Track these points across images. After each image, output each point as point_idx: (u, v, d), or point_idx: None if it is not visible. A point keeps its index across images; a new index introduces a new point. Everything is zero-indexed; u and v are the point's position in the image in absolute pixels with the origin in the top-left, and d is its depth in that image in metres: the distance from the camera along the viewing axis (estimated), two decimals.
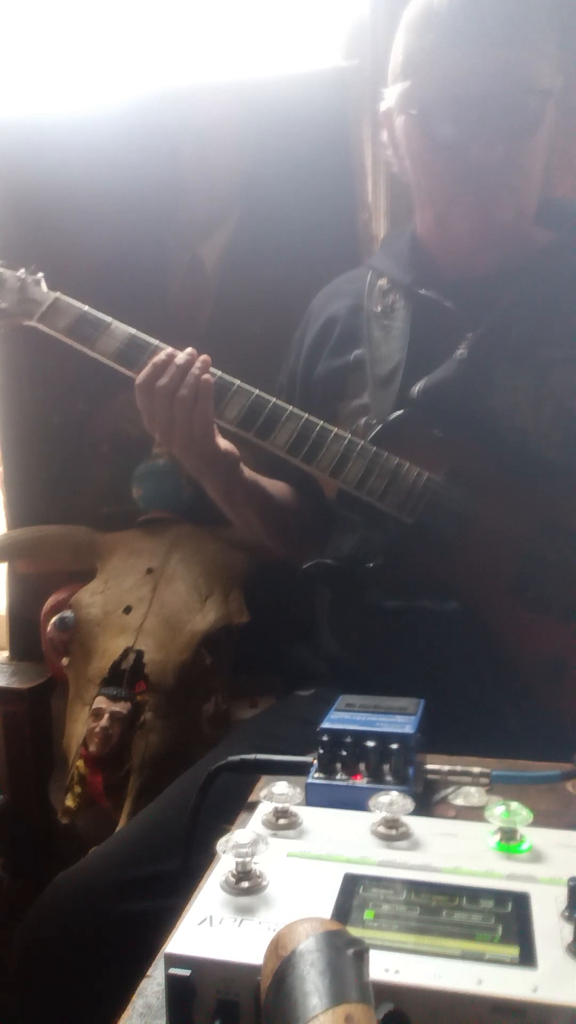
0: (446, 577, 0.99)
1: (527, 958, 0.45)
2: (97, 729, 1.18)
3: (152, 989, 0.51)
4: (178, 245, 1.52)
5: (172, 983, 0.45)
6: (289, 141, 1.44)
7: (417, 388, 1.05)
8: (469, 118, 0.97)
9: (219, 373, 1.07)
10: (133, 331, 1.10)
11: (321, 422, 1.05)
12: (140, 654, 1.24)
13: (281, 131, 1.44)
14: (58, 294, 1.14)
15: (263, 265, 1.47)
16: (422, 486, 1.00)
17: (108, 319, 1.11)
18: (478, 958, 0.45)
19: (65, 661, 1.37)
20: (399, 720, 0.71)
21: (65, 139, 1.49)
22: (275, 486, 1.21)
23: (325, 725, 0.70)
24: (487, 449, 1.01)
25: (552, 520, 0.98)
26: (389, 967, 0.44)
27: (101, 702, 1.20)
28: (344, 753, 0.68)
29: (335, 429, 1.04)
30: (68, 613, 1.38)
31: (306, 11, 1.59)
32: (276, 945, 0.40)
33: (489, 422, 1.01)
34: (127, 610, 1.30)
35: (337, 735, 0.69)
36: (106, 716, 1.19)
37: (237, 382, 1.07)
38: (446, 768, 0.71)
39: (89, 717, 1.20)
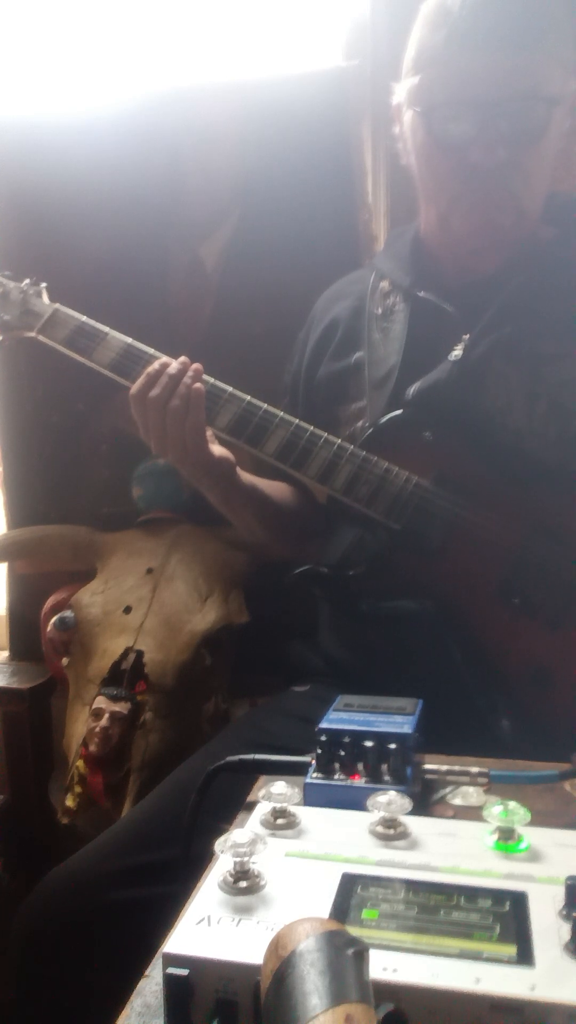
0: (432, 582, 0.99)
1: (525, 957, 0.45)
2: (97, 729, 1.18)
3: (150, 988, 0.51)
4: (178, 245, 1.52)
5: (170, 983, 0.45)
6: (289, 141, 1.44)
7: (411, 391, 1.04)
8: (472, 120, 0.97)
9: (211, 381, 1.06)
10: (129, 341, 1.10)
11: (311, 428, 1.04)
12: (140, 654, 1.24)
13: (281, 131, 1.44)
14: (57, 305, 1.14)
15: (263, 265, 1.47)
16: (409, 491, 1.00)
17: (105, 329, 1.11)
18: (476, 957, 0.45)
19: (65, 661, 1.37)
20: (397, 720, 0.71)
21: (65, 139, 1.49)
22: (274, 487, 1.21)
23: (323, 725, 0.70)
24: (479, 451, 1.01)
25: (544, 523, 0.97)
26: (387, 966, 0.44)
27: (101, 702, 1.21)
28: (342, 753, 0.68)
29: (324, 435, 1.04)
30: (68, 613, 1.38)
31: (306, 11, 1.59)
32: (276, 945, 0.40)
33: (482, 423, 1.01)
34: (127, 610, 1.30)
35: (335, 735, 0.69)
36: (106, 716, 1.19)
37: (229, 389, 1.07)
38: (444, 768, 0.71)
39: (89, 717, 1.20)
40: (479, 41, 0.95)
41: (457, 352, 1.03)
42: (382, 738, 0.68)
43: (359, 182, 1.45)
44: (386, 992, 0.43)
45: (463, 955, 0.46)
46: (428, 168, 1.05)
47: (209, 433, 1.07)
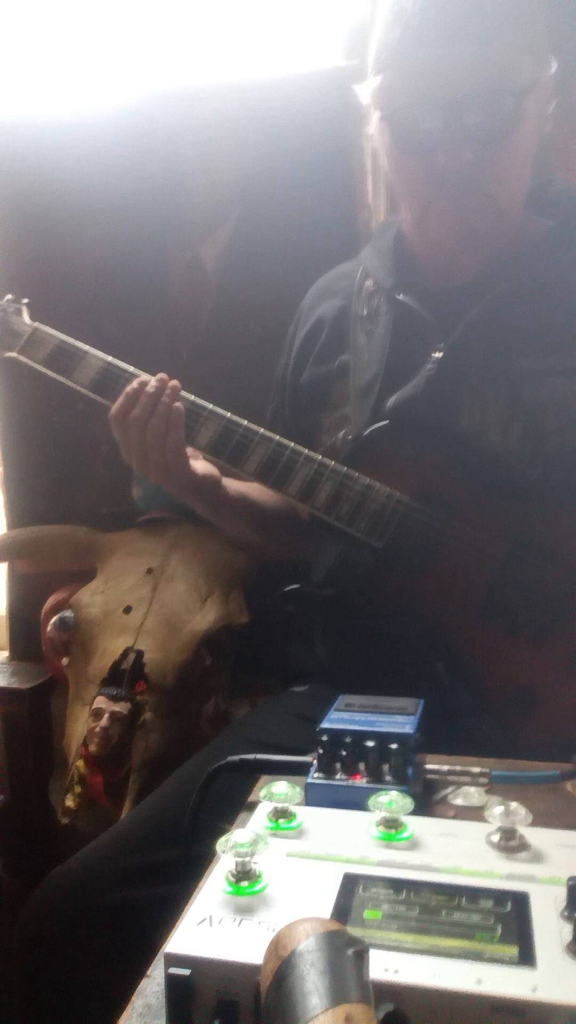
0: (416, 601, 0.96)
1: (526, 958, 0.45)
2: (97, 729, 1.18)
3: (152, 989, 0.51)
4: (178, 245, 1.52)
5: (172, 983, 0.45)
6: (289, 141, 1.43)
7: (389, 403, 1.01)
8: (434, 121, 0.92)
9: (191, 398, 1.05)
10: (108, 360, 1.08)
11: (292, 444, 1.01)
12: (140, 654, 1.24)
13: (281, 131, 1.44)
14: (37, 324, 1.12)
15: (263, 265, 1.47)
16: (391, 509, 0.97)
17: (84, 348, 1.09)
18: (477, 957, 0.45)
19: (65, 661, 1.37)
20: (399, 720, 0.71)
21: (65, 139, 1.49)
22: (265, 490, 1.20)
23: (325, 725, 0.70)
24: (458, 468, 0.97)
25: (525, 540, 0.94)
26: (388, 967, 0.44)
27: (101, 702, 1.20)
28: (344, 753, 0.68)
29: (305, 451, 1.01)
30: (68, 613, 1.38)
31: (306, 11, 1.58)
32: (276, 945, 0.40)
33: (458, 440, 0.97)
34: (127, 610, 1.30)
35: (337, 735, 0.69)
36: (106, 716, 1.19)
37: (209, 407, 1.04)
38: (445, 768, 0.71)
39: (89, 717, 1.20)
40: (435, 37, 0.90)
41: (430, 367, 0.99)
42: (383, 738, 0.68)
43: (359, 182, 1.45)
44: (387, 993, 0.43)
45: (464, 956, 0.45)
46: (397, 172, 1.01)
47: (192, 450, 1.05)
